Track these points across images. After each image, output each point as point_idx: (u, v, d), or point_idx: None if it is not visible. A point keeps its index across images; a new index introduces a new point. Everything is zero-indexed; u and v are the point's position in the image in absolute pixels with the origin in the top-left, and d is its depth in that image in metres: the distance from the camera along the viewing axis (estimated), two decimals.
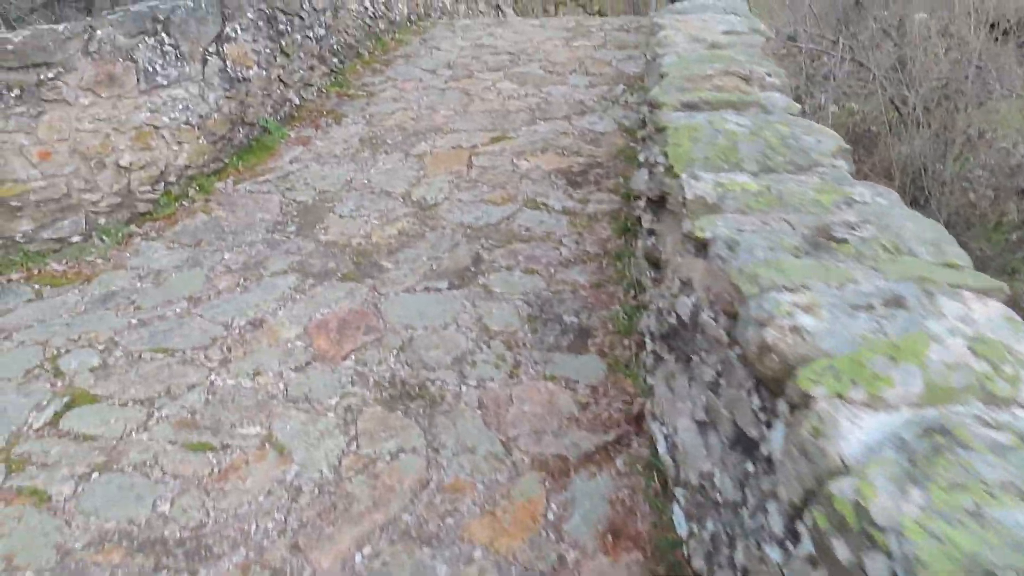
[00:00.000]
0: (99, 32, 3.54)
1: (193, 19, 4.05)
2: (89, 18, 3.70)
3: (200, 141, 4.17)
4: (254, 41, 4.57)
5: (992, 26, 8.32)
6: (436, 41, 6.57)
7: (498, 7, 9.54)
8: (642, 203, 2.75)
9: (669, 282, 2.07)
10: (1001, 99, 7.87)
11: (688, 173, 2.00)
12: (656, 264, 2.47)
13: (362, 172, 4.29)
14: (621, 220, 3.58)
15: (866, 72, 8.47)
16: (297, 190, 4.13)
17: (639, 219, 3.30)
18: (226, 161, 4.37)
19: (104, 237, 3.69)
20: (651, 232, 2.56)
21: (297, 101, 5.11)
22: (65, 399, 2.56)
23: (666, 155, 2.22)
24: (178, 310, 3.10)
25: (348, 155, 4.51)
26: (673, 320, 1.94)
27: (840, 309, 1.31)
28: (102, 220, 3.71)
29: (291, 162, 4.49)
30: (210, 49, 4.19)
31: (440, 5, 7.79)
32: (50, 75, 3.39)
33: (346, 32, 5.81)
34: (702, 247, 1.74)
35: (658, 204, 2.40)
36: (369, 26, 6.23)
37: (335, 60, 5.64)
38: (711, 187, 1.91)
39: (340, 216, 3.85)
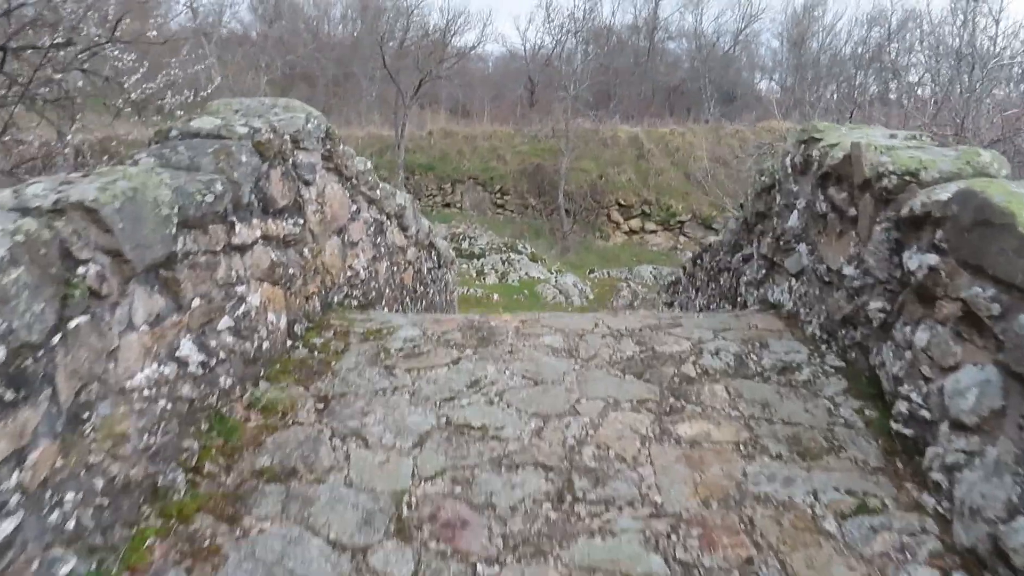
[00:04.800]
0: None
1: None
2: None
3: None
4: None
5: None
6: (353, 408, 2.88)
7: (438, 255, 6.20)
8: None
9: None
10: None
11: None
12: None
13: None
14: None
15: None
16: None
17: None
18: None
19: None
20: None
21: None
22: None
23: None
24: None
25: None
26: None
27: None
28: None
29: None
30: None
31: (347, 276, 4.25)
32: None
33: (117, 455, 2.13)
34: None
35: None
36: (191, 400, 2.58)
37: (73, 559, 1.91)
38: None
39: None
